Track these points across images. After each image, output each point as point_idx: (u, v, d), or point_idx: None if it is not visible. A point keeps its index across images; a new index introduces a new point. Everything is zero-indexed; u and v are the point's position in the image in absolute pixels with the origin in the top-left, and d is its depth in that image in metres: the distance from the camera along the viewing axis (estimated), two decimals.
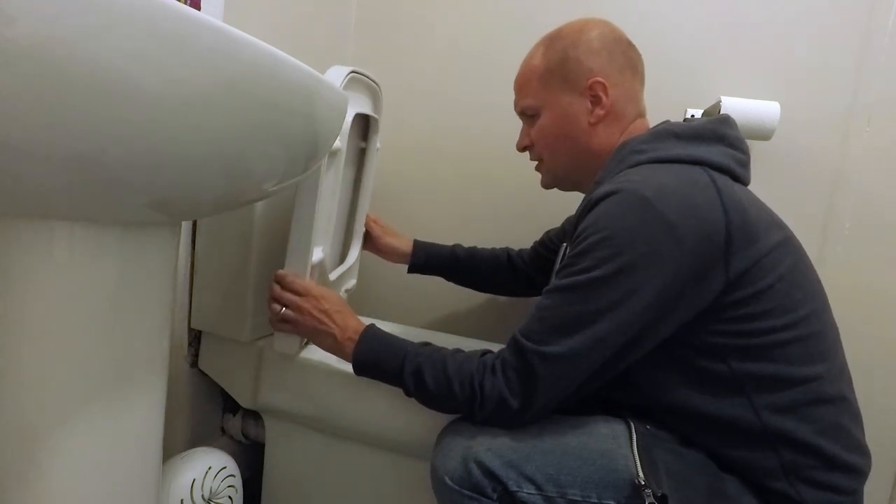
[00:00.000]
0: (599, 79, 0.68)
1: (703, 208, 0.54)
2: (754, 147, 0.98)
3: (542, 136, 0.73)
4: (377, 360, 0.65)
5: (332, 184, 0.76)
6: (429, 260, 0.99)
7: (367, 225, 0.98)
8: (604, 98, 0.68)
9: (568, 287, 0.57)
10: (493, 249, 1.00)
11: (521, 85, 0.75)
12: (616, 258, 0.54)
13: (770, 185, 0.98)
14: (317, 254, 0.74)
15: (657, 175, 0.57)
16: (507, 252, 0.99)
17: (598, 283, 0.54)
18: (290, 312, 0.70)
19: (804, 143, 0.96)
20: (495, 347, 0.63)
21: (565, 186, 0.78)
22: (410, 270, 1.00)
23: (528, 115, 0.75)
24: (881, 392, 0.95)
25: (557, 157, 0.74)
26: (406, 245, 0.98)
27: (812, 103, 0.95)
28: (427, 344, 0.66)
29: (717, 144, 0.62)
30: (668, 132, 0.63)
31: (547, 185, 0.79)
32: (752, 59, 0.96)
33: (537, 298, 0.60)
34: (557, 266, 0.69)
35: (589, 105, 0.69)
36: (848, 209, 0.95)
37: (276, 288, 0.71)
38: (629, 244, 0.54)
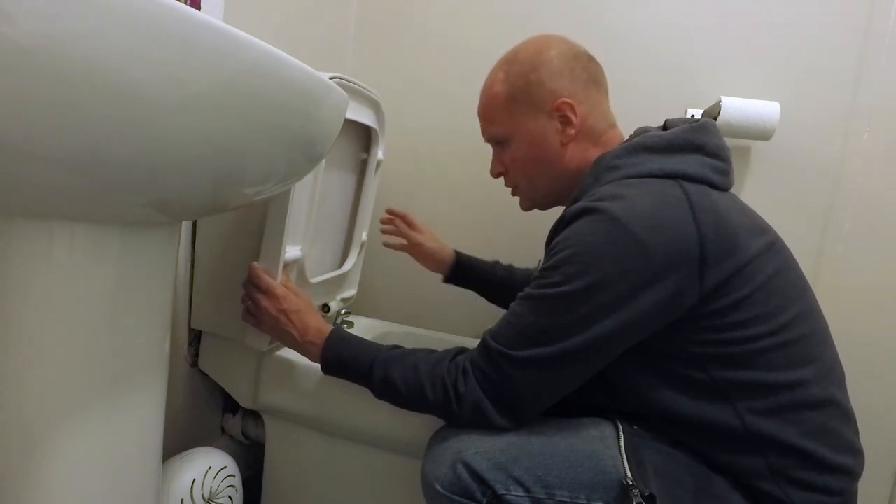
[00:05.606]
0: (566, 99, 0.67)
1: (674, 226, 0.54)
2: (754, 147, 0.98)
3: (517, 165, 0.73)
4: (343, 362, 0.66)
5: (310, 184, 0.76)
6: (468, 275, 0.98)
7: (412, 230, 0.98)
8: (573, 117, 0.67)
9: (537, 298, 0.58)
10: (529, 271, 0.99)
11: (486, 113, 0.74)
12: (585, 275, 0.54)
13: (770, 185, 0.98)
14: (292, 252, 0.75)
15: (629, 192, 0.57)
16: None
17: (566, 298, 0.55)
18: (253, 307, 0.71)
19: (804, 143, 0.96)
20: (475, 344, 0.64)
21: (545, 207, 0.77)
22: (447, 280, 1.00)
23: (497, 142, 0.74)
24: (881, 392, 0.95)
25: (535, 182, 0.73)
26: (447, 255, 0.98)
27: (812, 103, 0.95)
28: (397, 347, 0.66)
29: (692, 154, 0.61)
30: (641, 146, 0.63)
31: (527, 208, 0.78)
32: (752, 59, 0.97)
33: None
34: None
35: (559, 125, 0.68)
36: (848, 209, 0.95)
37: (245, 281, 0.72)
38: (599, 262, 0.54)
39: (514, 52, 0.72)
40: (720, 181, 0.61)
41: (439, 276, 1.01)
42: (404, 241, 0.98)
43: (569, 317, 0.55)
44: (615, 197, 0.56)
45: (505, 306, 0.99)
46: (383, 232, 1.00)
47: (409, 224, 0.99)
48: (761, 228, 0.61)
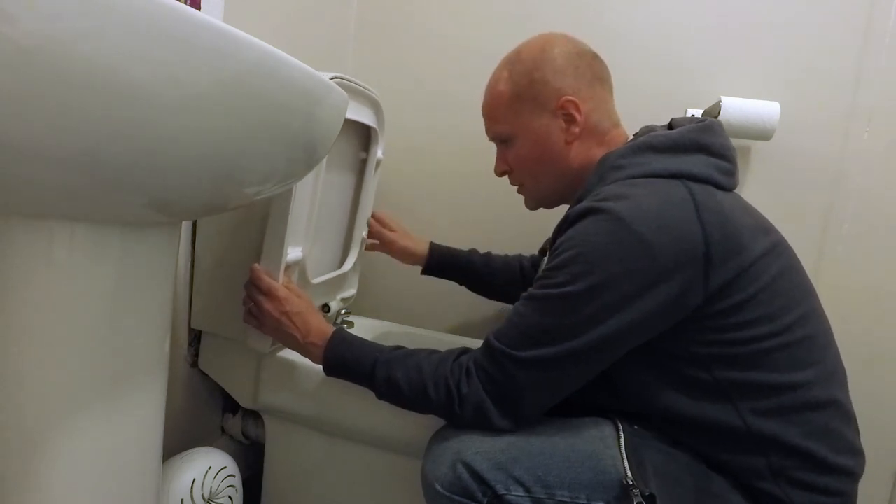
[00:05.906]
0: (570, 97, 0.67)
1: (679, 226, 0.54)
2: (754, 147, 0.98)
3: (521, 163, 0.73)
4: (346, 363, 0.66)
5: (311, 185, 0.76)
6: (443, 265, 1.00)
7: (383, 228, 1.00)
8: (577, 116, 0.67)
9: (541, 298, 0.57)
10: (507, 258, 1.00)
11: (490, 112, 0.74)
12: (589, 276, 0.54)
13: (770, 185, 0.98)
14: (293, 253, 0.75)
15: (634, 192, 0.57)
16: (520, 261, 0.99)
17: (571, 299, 0.55)
18: (255, 309, 0.70)
19: (804, 143, 0.96)
20: (476, 344, 0.64)
21: (549, 206, 0.78)
22: (424, 272, 1.01)
23: (501, 140, 0.74)
24: (881, 392, 0.95)
25: (539, 181, 0.74)
26: (422, 248, 0.99)
27: (812, 103, 0.95)
28: (399, 347, 0.66)
29: (697, 154, 0.61)
30: (646, 145, 0.62)
31: (532, 207, 0.79)
32: (752, 59, 0.97)
33: None
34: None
35: (563, 124, 0.68)
36: (848, 209, 0.95)
37: (247, 282, 0.71)
38: (604, 263, 0.54)
39: (517, 50, 0.72)
40: (725, 181, 0.61)
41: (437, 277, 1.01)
42: (376, 241, 1.01)
43: (573, 317, 0.55)
44: (620, 197, 0.56)
45: (486, 294, 1.03)
46: None
47: (380, 221, 1.01)
48: (765, 229, 0.61)
